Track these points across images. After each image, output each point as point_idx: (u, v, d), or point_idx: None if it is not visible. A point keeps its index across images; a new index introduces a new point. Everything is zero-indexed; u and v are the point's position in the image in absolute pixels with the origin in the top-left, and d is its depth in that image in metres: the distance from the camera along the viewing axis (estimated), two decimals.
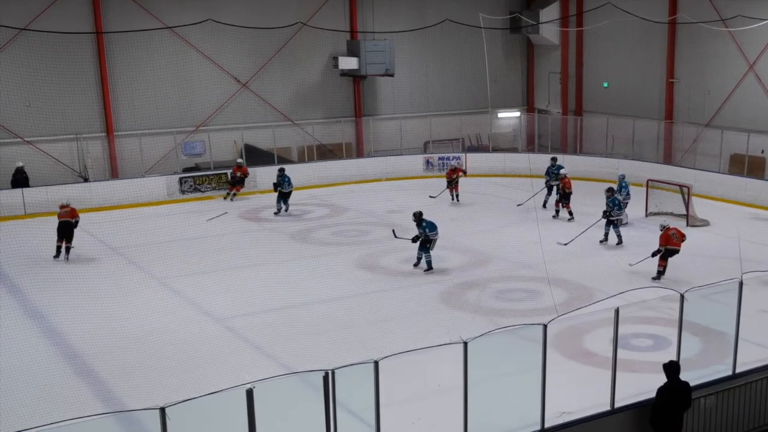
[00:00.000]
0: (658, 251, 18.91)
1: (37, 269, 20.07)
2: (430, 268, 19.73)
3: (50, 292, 18.36)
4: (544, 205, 25.64)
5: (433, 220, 20.04)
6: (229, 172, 29.16)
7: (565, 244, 21.68)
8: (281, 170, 26.44)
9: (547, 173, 25.96)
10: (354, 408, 10.00)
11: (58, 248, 21.23)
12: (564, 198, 24.64)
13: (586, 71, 35.54)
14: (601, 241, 21.90)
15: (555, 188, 25.40)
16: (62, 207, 21.73)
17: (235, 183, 28.84)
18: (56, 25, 28.38)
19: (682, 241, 19.02)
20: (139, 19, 29.64)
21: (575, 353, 14.43)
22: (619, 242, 21.75)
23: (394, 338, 15.03)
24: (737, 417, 11.67)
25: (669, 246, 18.87)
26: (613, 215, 21.76)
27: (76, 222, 21.61)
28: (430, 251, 19.82)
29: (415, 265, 20.01)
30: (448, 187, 27.50)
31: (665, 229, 19.00)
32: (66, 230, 21.30)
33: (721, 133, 28.36)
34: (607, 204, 22.05)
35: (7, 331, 15.72)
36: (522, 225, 24.01)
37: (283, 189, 26.00)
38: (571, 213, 24.51)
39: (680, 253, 19.04)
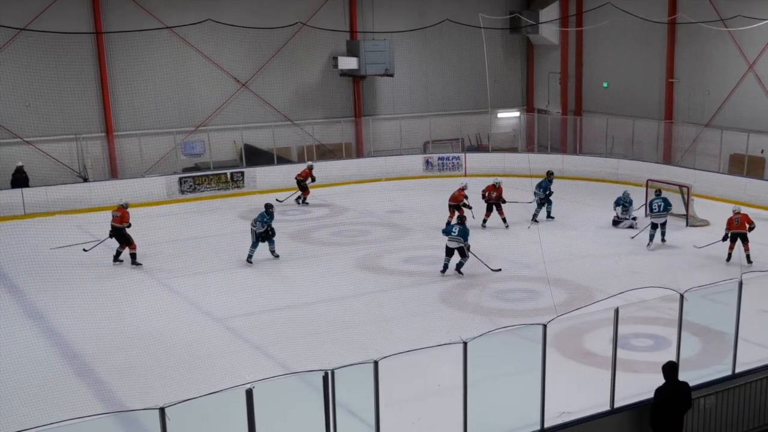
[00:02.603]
0: (725, 236, 19.84)
1: (37, 269, 20.00)
2: (443, 269, 19.56)
3: (50, 292, 18.33)
4: (535, 219, 24.43)
5: (454, 227, 19.59)
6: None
7: (632, 237, 22.27)
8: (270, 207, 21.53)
9: (539, 186, 24.55)
10: (354, 408, 9.94)
11: (117, 252, 20.77)
12: (497, 207, 23.78)
13: (586, 71, 35.51)
14: (663, 240, 21.85)
15: (544, 202, 24.59)
16: (116, 210, 20.86)
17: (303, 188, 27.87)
18: (56, 26, 28.35)
19: (748, 226, 19.66)
20: (139, 20, 29.59)
21: (575, 353, 14.41)
22: (663, 240, 21.90)
23: (393, 338, 15.01)
24: (737, 417, 11.63)
25: (731, 230, 19.68)
26: (657, 218, 21.71)
27: (129, 225, 20.69)
28: (449, 256, 19.45)
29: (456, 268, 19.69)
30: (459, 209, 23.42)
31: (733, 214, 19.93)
32: (116, 235, 20.67)
33: (721, 133, 28.35)
34: (650, 205, 22.07)
35: (6, 332, 15.71)
36: (522, 225, 23.97)
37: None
38: (504, 220, 23.91)
39: (680, 253, 19.02)
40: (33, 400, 12.68)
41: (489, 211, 23.95)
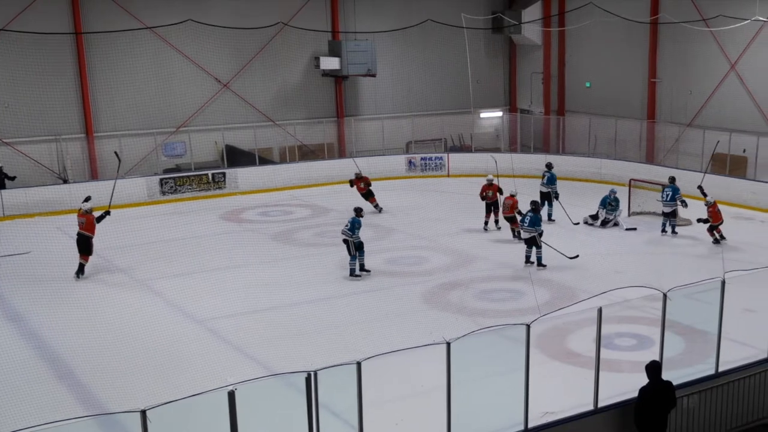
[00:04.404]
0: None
1: (16, 271, 19.78)
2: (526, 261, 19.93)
3: (29, 294, 18.14)
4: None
5: (526, 216, 19.96)
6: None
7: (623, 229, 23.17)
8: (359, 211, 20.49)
9: (550, 182, 24.54)
10: (337, 409, 9.96)
11: (80, 265, 19.70)
12: (494, 207, 23.43)
13: (569, 71, 35.55)
14: (673, 232, 22.56)
15: (541, 195, 24.40)
16: (80, 215, 20.07)
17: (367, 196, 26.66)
18: (35, 26, 28.06)
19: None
20: (120, 20, 29.37)
21: (558, 353, 14.40)
22: (673, 232, 22.56)
23: (376, 339, 14.94)
24: (720, 416, 11.68)
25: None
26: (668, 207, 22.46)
27: (103, 216, 19.90)
28: (529, 247, 19.82)
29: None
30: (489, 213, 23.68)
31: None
32: (80, 243, 19.82)
33: (703, 132, 28.31)
34: (663, 192, 22.59)
35: None
36: (506, 225, 23.83)
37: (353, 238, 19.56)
38: (497, 221, 23.59)
39: (663, 252, 19.76)
40: (13, 402, 12.50)
41: (488, 212, 23.56)
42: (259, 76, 32.41)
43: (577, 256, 19.90)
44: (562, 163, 31.18)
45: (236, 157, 31.02)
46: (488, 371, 11.53)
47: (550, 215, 24.42)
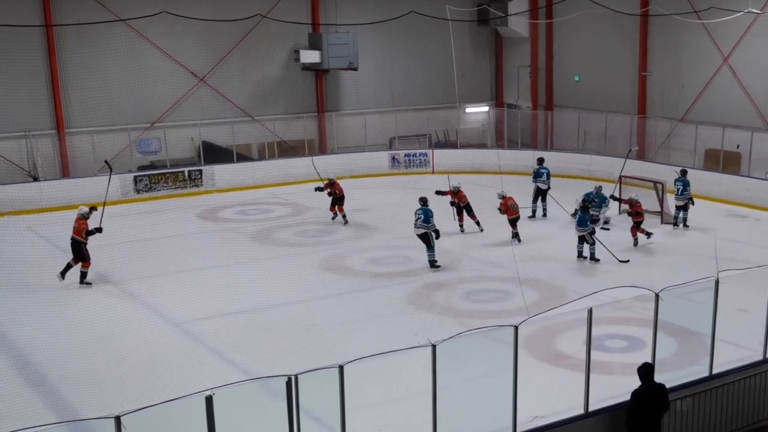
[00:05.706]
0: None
1: None
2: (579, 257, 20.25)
3: None
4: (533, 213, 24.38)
5: (582, 215, 20.12)
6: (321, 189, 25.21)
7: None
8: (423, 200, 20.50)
9: (547, 177, 24.68)
10: (318, 414, 9.83)
11: (68, 265, 18.96)
12: (467, 211, 22.89)
13: (557, 65, 35.45)
14: (685, 226, 22.76)
15: (540, 192, 24.56)
16: (76, 219, 19.25)
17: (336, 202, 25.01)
18: (4, 18, 27.43)
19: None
20: (92, 12, 28.91)
21: (548, 355, 14.29)
22: (685, 225, 22.81)
23: (359, 341, 14.89)
24: (714, 419, 11.53)
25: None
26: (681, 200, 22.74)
27: (93, 231, 19.04)
28: (580, 243, 20.15)
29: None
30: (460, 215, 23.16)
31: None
32: (72, 247, 19.05)
33: (696, 127, 28.24)
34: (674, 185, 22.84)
35: None
36: (491, 224, 23.51)
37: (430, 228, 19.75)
38: (478, 223, 23.04)
39: (655, 251, 20.22)
40: None
41: (459, 214, 23.11)
42: (237, 70, 32.13)
43: (628, 260, 19.90)
44: (550, 160, 30.67)
45: (213, 153, 30.70)
46: (475, 374, 11.49)
47: (545, 211, 24.58)
